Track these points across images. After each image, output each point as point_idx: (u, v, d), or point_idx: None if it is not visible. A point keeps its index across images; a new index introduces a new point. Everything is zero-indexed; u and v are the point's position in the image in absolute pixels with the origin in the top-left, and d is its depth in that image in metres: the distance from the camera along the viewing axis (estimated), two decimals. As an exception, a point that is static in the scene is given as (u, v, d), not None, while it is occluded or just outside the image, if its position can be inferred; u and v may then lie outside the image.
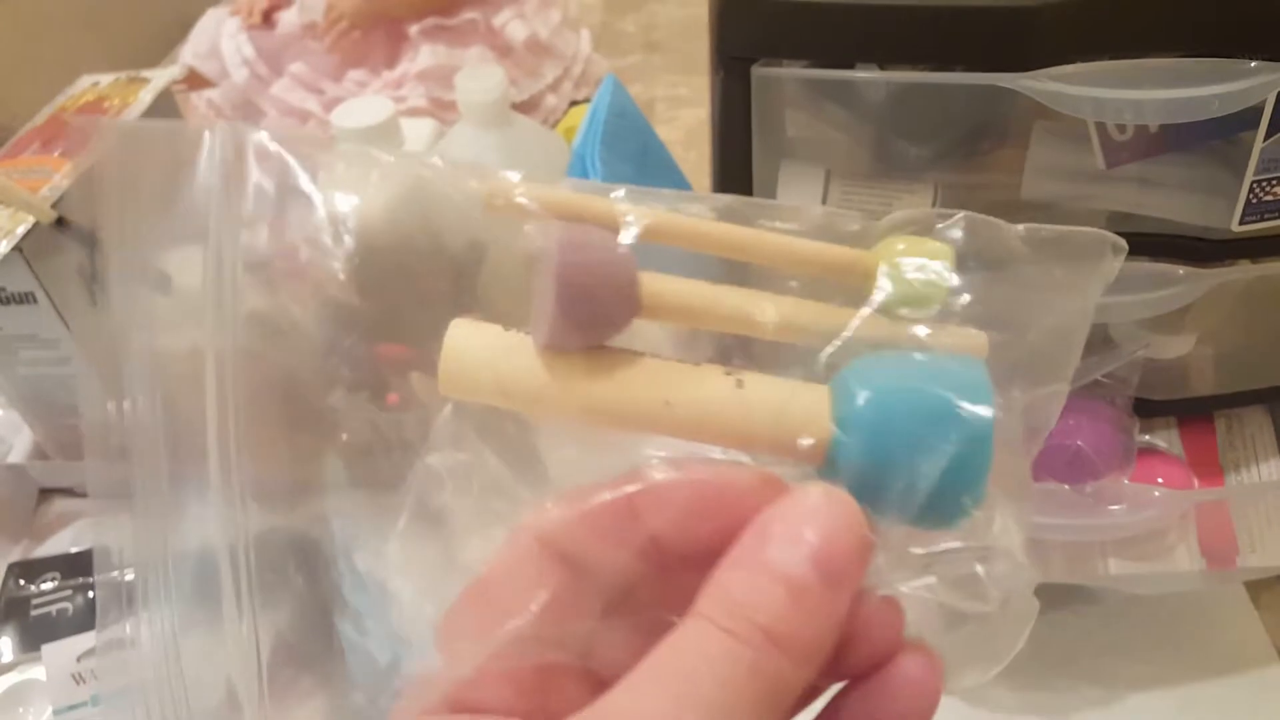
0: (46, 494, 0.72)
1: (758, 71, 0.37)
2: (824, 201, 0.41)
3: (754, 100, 0.38)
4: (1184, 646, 0.57)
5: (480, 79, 0.63)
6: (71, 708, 0.54)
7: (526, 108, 0.99)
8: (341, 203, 0.61)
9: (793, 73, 0.37)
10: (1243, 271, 0.42)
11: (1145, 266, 0.41)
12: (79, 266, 0.62)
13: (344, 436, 0.65)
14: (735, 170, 0.41)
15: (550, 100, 1.02)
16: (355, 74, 0.96)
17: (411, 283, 0.64)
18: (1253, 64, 0.35)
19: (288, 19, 0.99)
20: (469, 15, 0.92)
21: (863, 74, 0.36)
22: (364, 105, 0.68)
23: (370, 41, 0.96)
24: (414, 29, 0.92)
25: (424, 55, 0.91)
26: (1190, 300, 0.43)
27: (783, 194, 0.41)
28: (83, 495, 0.72)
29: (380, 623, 0.32)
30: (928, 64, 0.36)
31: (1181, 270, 0.42)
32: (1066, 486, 0.45)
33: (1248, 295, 0.45)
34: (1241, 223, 0.40)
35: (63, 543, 0.65)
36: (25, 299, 0.59)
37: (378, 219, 0.65)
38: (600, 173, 0.66)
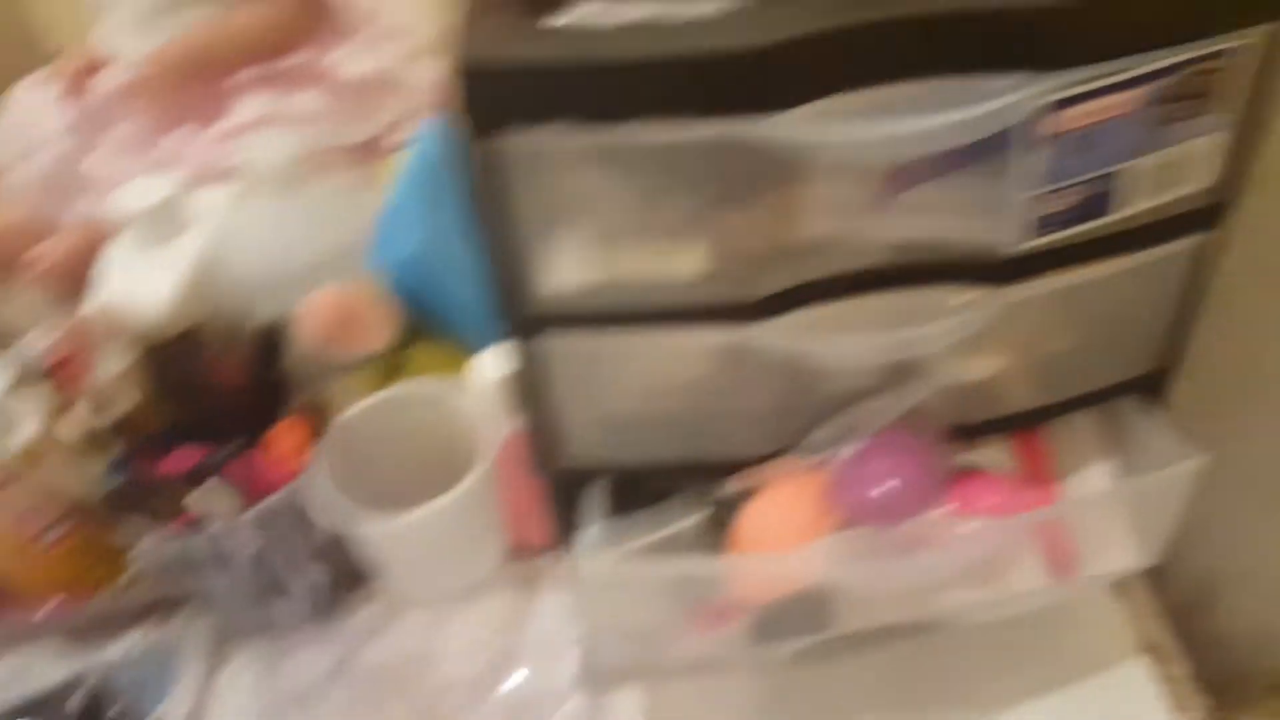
0: None
1: (507, 140, 0.34)
2: (597, 265, 0.38)
3: (506, 168, 0.35)
4: (1051, 653, 0.56)
5: (262, 147, 0.58)
6: None
7: (365, 152, 0.94)
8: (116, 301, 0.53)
9: (538, 140, 0.34)
10: (1034, 288, 0.41)
11: (935, 294, 0.40)
12: None
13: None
14: (500, 240, 0.37)
15: (396, 139, 0.96)
16: (182, 131, 0.88)
17: (204, 377, 0.58)
18: (1000, 83, 0.33)
19: (108, 79, 0.90)
20: (297, 59, 0.86)
21: (578, 137, 0.33)
22: (143, 186, 0.62)
23: (193, 95, 0.89)
24: (232, 81, 0.85)
25: (251, 105, 0.84)
26: (986, 323, 0.41)
27: (555, 261, 0.38)
28: None
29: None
30: (666, 117, 0.34)
31: (970, 295, 0.40)
32: (881, 530, 0.43)
33: (1047, 308, 0.43)
34: (1022, 241, 0.39)
35: None
36: None
37: (163, 309, 0.59)
38: (425, 228, 0.60)
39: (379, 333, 0.48)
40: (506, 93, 0.32)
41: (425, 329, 0.63)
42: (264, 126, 0.80)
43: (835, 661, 0.54)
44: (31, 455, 0.51)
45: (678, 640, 0.47)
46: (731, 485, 0.45)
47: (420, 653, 0.54)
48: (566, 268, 0.38)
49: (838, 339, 0.40)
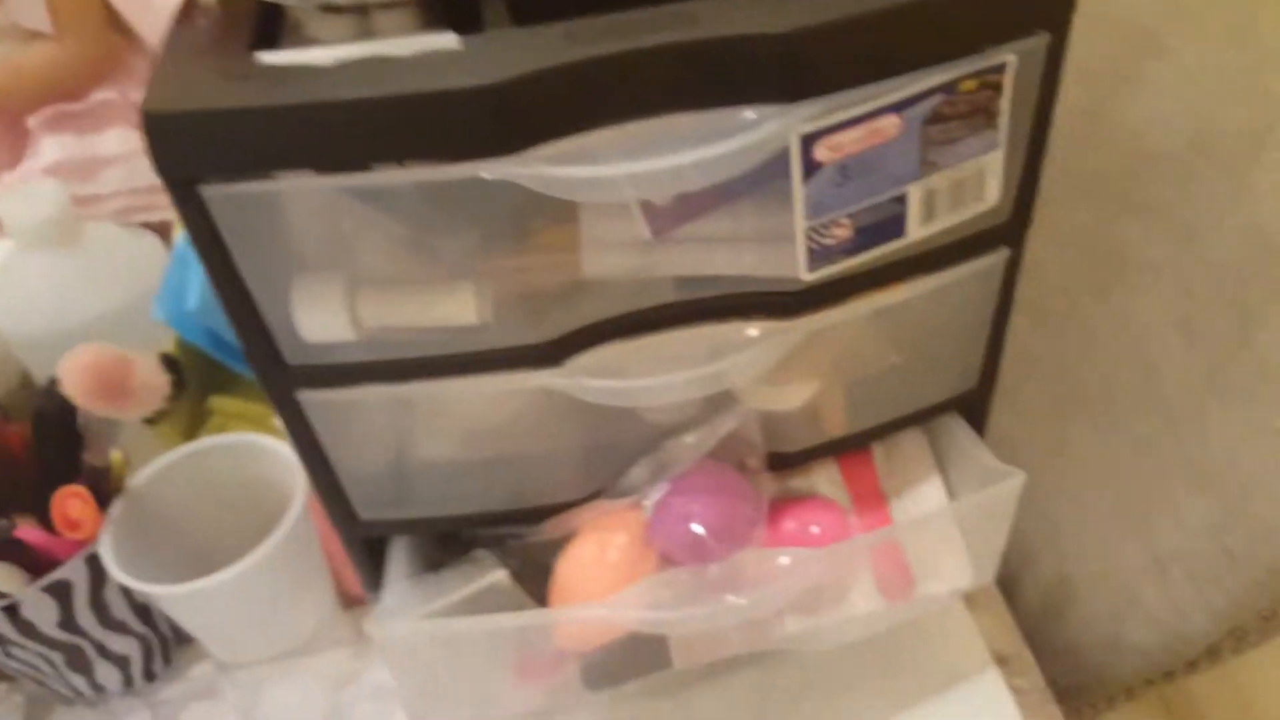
0: None
1: (209, 191, 0.31)
2: (353, 316, 0.35)
3: (220, 221, 0.32)
4: (903, 669, 0.55)
5: (24, 199, 0.53)
6: None
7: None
8: None
9: (247, 190, 0.31)
10: (835, 315, 0.39)
11: (733, 328, 0.38)
12: None
13: None
14: (235, 296, 0.34)
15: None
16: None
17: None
18: (752, 114, 0.32)
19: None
20: (101, 96, 0.81)
21: (289, 183, 0.30)
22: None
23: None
24: (33, 121, 0.79)
25: (48, 148, 0.79)
26: (789, 351, 0.40)
27: (301, 313, 0.35)
28: None
29: None
30: (398, 161, 0.31)
31: (769, 325, 0.38)
32: (703, 568, 0.41)
33: (854, 332, 0.42)
34: (810, 271, 0.37)
35: None
36: None
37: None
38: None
39: (147, 393, 0.44)
40: (202, 143, 0.29)
41: (225, 379, 0.60)
42: (65, 168, 0.76)
43: (680, 694, 0.53)
44: None
45: (506, 695, 0.44)
46: (545, 531, 0.43)
47: (247, 714, 0.51)
48: (322, 320, 0.35)
49: (637, 380, 0.38)
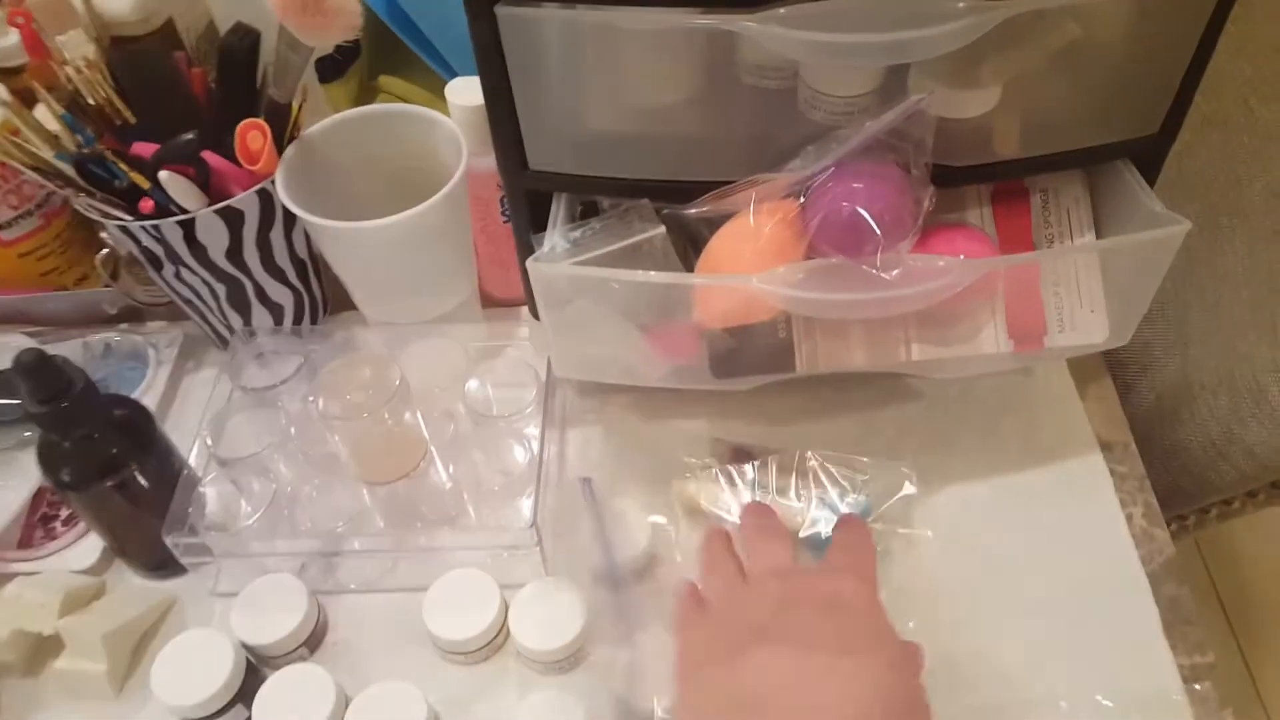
0: None
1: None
2: None
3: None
4: (1006, 438, 0.56)
5: None
6: None
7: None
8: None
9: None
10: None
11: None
12: None
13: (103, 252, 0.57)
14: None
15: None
16: None
17: (173, 76, 0.56)
18: None
19: None
20: None
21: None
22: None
23: None
24: None
25: None
26: (979, 34, 0.38)
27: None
28: None
29: None
30: None
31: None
32: (849, 259, 0.42)
33: (1051, 33, 0.40)
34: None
35: None
36: None
37: (131, 5, 0.57)
38: None
39: (341, 18, 0.45)
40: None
41: (397, 60, 0.61)
42: None
43: (794, 398, 0.54)
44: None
45: (638, 361, 0.46)
46: (699, 206, 0.44)
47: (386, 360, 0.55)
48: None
49: (831, 36, 0.37)
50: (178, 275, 0.55)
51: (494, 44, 0.40)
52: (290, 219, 0.56)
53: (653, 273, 0.42)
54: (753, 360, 0.48)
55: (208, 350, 0.62)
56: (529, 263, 0.43)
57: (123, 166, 0.51)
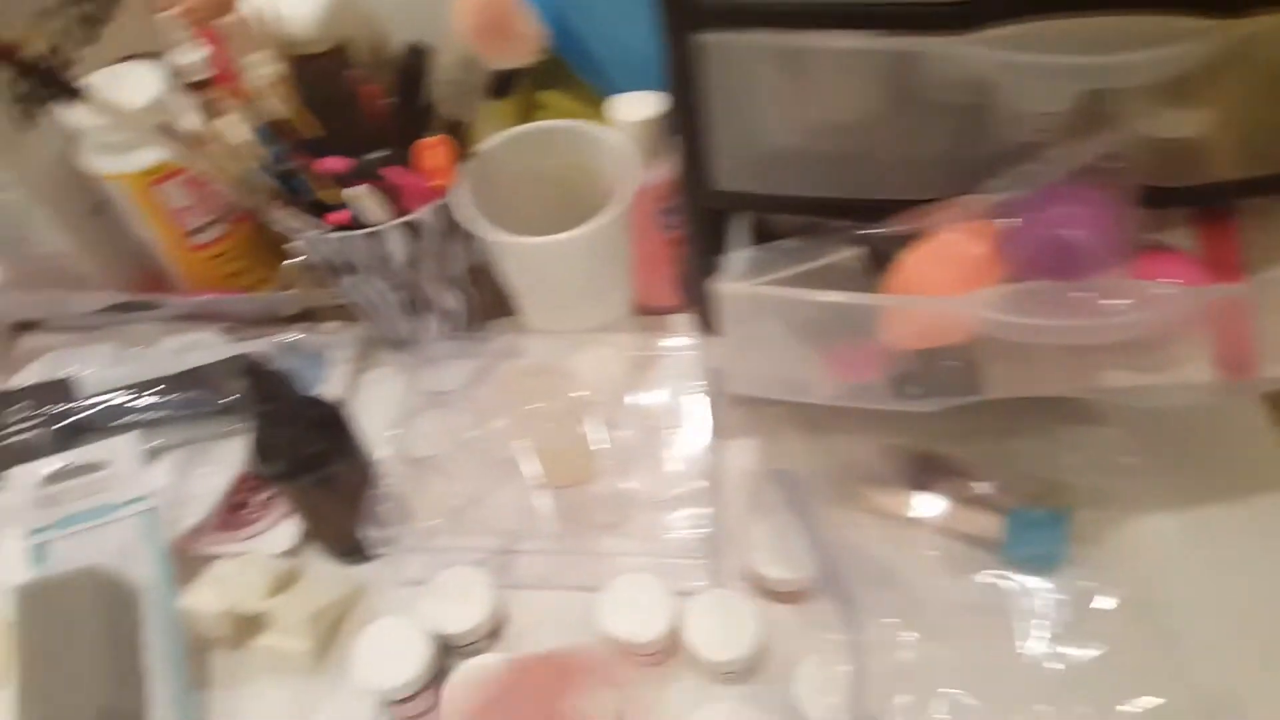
0: (16, 330, 0.71)
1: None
2: None
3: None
4: (1194, 467, 0.54)
5: None
6: (41, 530, 0.54)
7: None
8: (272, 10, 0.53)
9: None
10: (1265, 23, 0.35)
11: (1145, 21, 0.35)
12: (9, 84, 0.57)
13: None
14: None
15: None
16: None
17: (349, 93, 0.59)
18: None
19: None
20: None
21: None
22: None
23: None
24: None
25: None
26: (1202, 60, 0.36)
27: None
28: (52, 330, 0.71)
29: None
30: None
31: (1192, 22, 0.35)
32: (1054, 284, 0.40)
33: (1273, 58, 0.38)
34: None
35: (32, 375, 0.64)
36: (-50, 120, 0.55)
37: (310, 25, 0.59)
38: None
39: (526, 42, 0.46)
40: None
41: (558, 75, 0.62)
42: None
43: (974, 420, 0.53)
44: (190, 151, 0.52)
45: (814, 380, 0.46)
46: (891, 226, 0.43)
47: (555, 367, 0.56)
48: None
49: (1034, 57, 0.36)
50: (359, 283, 0.58)
51: (688, 67, 0.40)
52: (464, 230, 0.58)
53: (854, 294, 0.42)
54: (937, 382, 0.47)
55: (379, 351, 0.65)
56: (719, 281, 0.43)
57: (318, 182, 0.53)
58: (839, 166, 0.44)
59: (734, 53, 0.39)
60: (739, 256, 0.45)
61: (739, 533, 0.52)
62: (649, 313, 0.63)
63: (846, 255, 0.42)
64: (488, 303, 0.63)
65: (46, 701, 0.38)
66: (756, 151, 0.44)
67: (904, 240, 0.43)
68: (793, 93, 0.41)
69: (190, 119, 0.54)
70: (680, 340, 0.59)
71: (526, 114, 0.61)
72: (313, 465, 0.49)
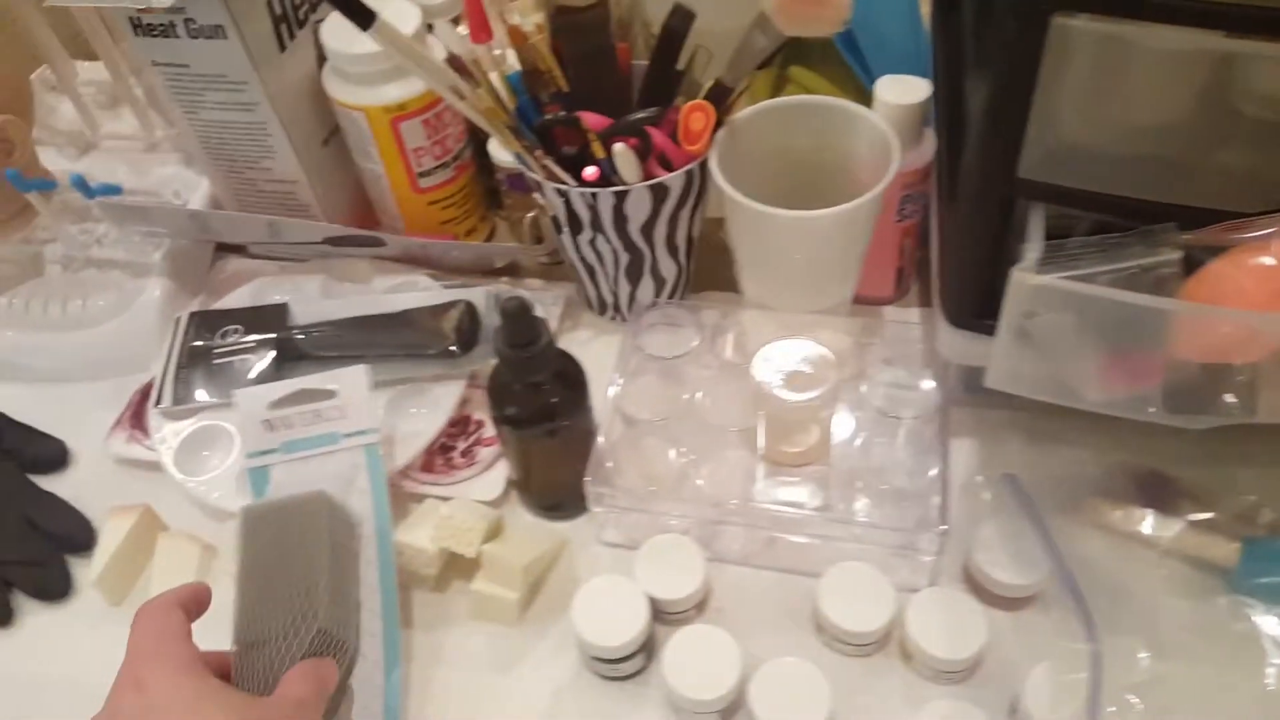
0: (220, 253, 0.72)
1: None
2: None
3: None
4: None
5: None
6: (262, 453, 0.55)
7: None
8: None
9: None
10: None
11: None
12: (270, 4, 0.58)
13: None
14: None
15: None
16: None
17: (608, 49, 0.59)
18: None
19: None
20: None
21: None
22: None
23: None
24: None
25: None
26: None
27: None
28: (255, 257, 0.71)
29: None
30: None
31: None
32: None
33: None
34: None
35: (242, 298, 0.65)
36: (215, 33, 0.56)
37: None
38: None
39: (838, 11, 0.46)
40: None
41: (806, 51, 0.61)
42: None
43: (1246, 444, 0.52)
44: (455, 88, 0.53)
45: (1086, 384, 0.45)
46: (1201, 235, 0.42)
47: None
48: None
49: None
50: (592, 242, 0.58)
51: (1032, 51, 0.39)
52: (699, 199, 0.57)
53: (1166, 299, 0.41)
54: (1211, 399, 0.46)
55: (582, 313, 0.65)
56: (1016, 271, 0.43)
57: (590, 134, 0.53)
58: (1149, 167, 0.42)
59: (1079, 40, 0.38)
60: (1034, 248, 0.44)
61: (963, 532, 0.51)
62: (864, 301, 0.63)
63: (1165, 259, 0.41)
64: (690, 274, 0.63)
65: (267, 621, 0.38)
66: (1065, 143, 0.43)
67: (1215, 250, 0.42)
68: (1123, 86, 0.40)
69: (456, 54, 0.54)
70: (905, 329, 0.58)
71: (777, 87, 0.61)
72: (548, 416, 0.49)
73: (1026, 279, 0.42)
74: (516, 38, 0.54)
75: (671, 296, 0.63)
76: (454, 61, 0.53)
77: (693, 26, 0.55)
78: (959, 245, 0.49)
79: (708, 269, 0.63)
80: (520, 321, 0.46)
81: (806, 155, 0.57)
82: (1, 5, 0.69)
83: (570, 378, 0.50)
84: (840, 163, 0.56)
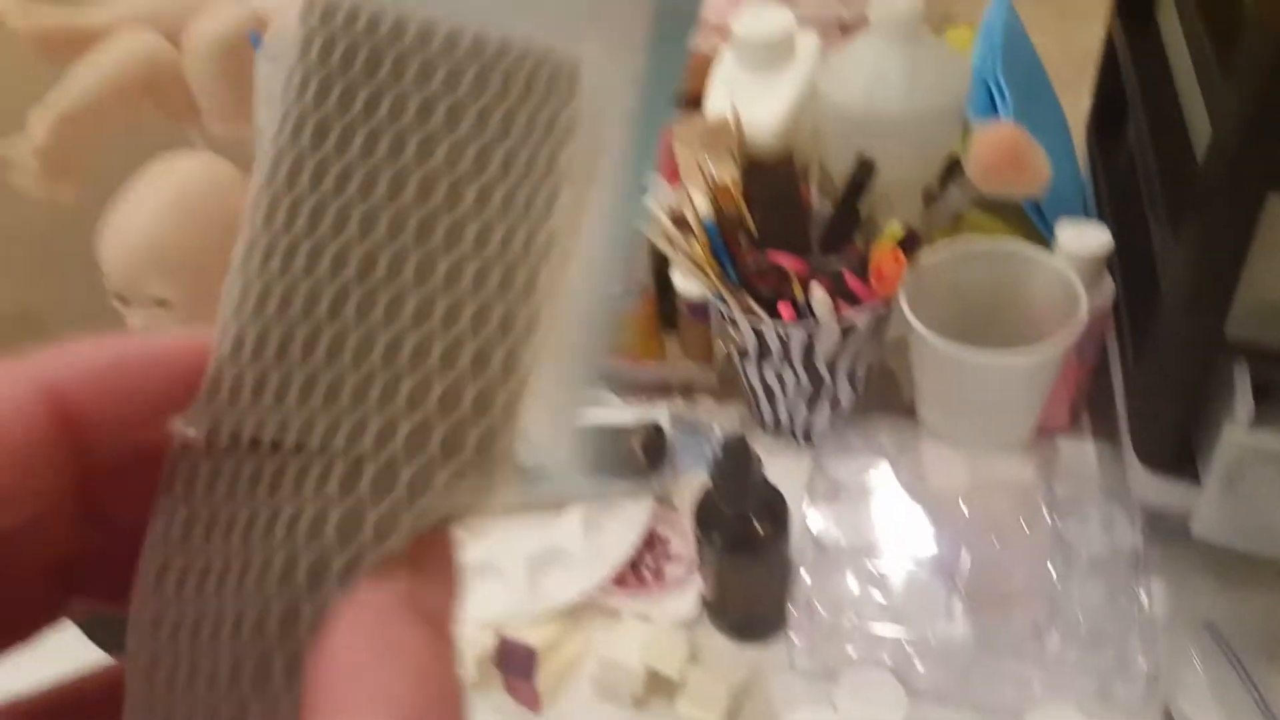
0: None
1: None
2: None
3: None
4: None
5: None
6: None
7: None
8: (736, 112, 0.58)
9: None
10: None
11: None
12: None
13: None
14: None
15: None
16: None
17: (794, 198, 0.63)
18: None
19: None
20: None
21: None
22: (762, 16, 0.66)
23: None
24: None
25: None
26: None
27: None
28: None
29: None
30: None
31: None
32: None
33: None
34: None
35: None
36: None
37: (770, 134, 0.64)
38: (1008, 99, 0.63)
39: (1033, 175, 0.49)
40: None
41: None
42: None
43: None
44: (663, 232, 0.58)
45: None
46: None
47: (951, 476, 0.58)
48: None
49: None
50: (776, 370, 0.61)
51: (1245, 220, 0.42)
52: (880, 335, 0.60)
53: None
54: None
55: (751, 430, 0.68)
56: (1229, 427, 0.44)
57: (758, 276, 0.58)
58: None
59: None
60: (1244, 403, 0.46)
61: (1163, 677, 0.51)
62: (1039, 434, 0.64)
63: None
64: (872, 396, 0.66)
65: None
66: (1274, 304, 0.45)
67: None
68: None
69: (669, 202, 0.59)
70: (1083, 463, 0.59)
71: (953, 226, 0.64)
72: (755, 546, 0.52)
73: (1242, 438, 0.44)
74: (722, 194, 0.59)
75: (850, 420, 0.65)
76: (672, 213, 0.58)
77: (873, 176, 0.60)
78: (1157, 396, 0.51)
79: (875, 390, 0.66)
80: (740, 456, 0.49)
81: (982, 293, 0.59)
82: None
83: (776, 511, 0.53)
84: (1016, 300, 0.58)
